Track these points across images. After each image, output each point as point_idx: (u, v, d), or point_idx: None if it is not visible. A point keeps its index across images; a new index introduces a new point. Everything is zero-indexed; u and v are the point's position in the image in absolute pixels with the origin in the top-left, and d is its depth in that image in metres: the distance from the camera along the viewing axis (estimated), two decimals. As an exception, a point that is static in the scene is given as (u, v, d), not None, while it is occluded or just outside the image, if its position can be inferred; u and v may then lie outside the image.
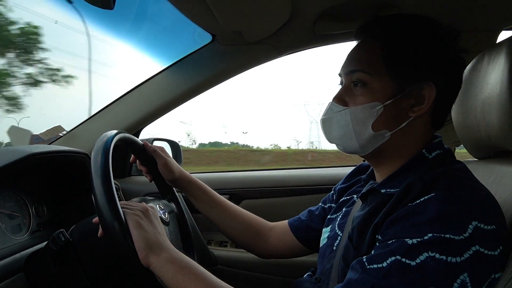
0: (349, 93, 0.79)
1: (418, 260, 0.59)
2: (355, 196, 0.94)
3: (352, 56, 0.81)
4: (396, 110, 0.75)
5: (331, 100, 0.81)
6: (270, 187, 1.71)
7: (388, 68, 0.75)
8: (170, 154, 1.14)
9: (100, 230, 0.79)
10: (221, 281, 0.73)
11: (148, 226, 0.78)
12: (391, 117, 0.75)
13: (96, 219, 0.82)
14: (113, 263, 0.86)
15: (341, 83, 0.83)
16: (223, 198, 1.16)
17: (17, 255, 0.93)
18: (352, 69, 0.78)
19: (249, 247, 1.16)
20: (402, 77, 0.74)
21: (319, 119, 0.85)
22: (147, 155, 1.09)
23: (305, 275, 0.97)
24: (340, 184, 1.04)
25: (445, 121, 0.81)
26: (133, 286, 0.91)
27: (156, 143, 1.63)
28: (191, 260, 0.76)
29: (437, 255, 0.58)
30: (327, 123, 0.81)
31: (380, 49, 0.76)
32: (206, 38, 1.46)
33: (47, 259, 0.89)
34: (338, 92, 0.81)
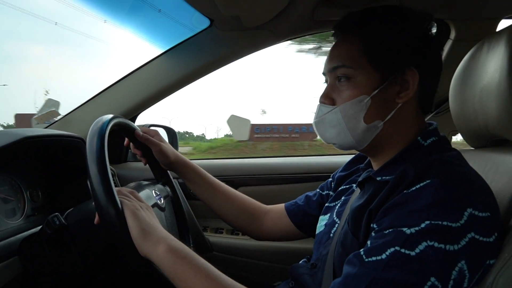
0: (335, 90, 0.80)
1: (417, 250, 0.59)
2: (354, 185, 0.94)
3: (333, 53, 0.82)
4: (384, 99, 0.76)
5: (318, 101, 0.82)
6: (266, 175, 1.71)
7: (369, 60, 0.76)
8: (167, 140, 1.14)
9: (97, 218, 0.78)
10: (221, 272, 0.73)
11: (144, 217, 0.78)
12: (380, 107, 0.76)
13: None
14: (109, 248, 0.86)
15: (326, 82, 0.84)
16: (218, 181, 1.17)
17: (12, 238, 0.93)
18: (334, 65, 0.79)
19: (244, 230, 1.17)
20: (384, 66, 0.76)
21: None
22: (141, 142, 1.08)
23: (300, 261, 0.98)
24: (340, 172, 1.05)
25: (432, 104, 0.82)
26: (129, 272, 0.91)
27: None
28: (191, 250, 0.76)
29: (436, 244, 0.58)
30: (320, 125, 0.82)
31: (359, 43, 0.77)
32: (204, 23, 1.44)
33: (42, 243, 0.88)
34: (324, 91, 0.82)
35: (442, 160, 0.70)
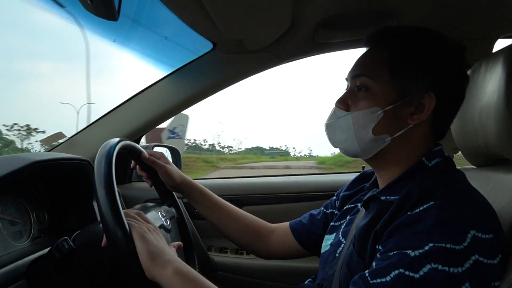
0: (352, 97, 0.81)
1: (421, 273, 0.59)
2: (359, 204, 0.95)
3: (359, 62, 0.83)
4: (396, 116, 0.77)
5: (334, 104, 0.83)
6: (270, 194, 1.72)
7: (390, 75, 0.77)
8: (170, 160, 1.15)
9: (104, 240, 0.79)
10: None
11: (152, 240, 0.78)
12: (390, 123, 0.77)
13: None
14: (116, 271, 0.87)
15: (347, 88, 0.85)
16: (224, 201, 1.18)
17: (19, 262, 0.93)
18: (357, 73, 0.81)
19: (250, 249, 1.18)
20: (404, 84, 0.76)
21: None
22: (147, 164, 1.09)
23: (306, 281, 0.98)
24: (344, 191, 1.05)
25: (446, 133, 0.82)
26: None
27: (156, 150, 1.63)
28: (198, 273, 0.77)
29: (440, 267, 0.59)
30: (331, 128, 0.84)
31: (386, 57, 0.78)
32: (207, 46, 1.47)
33: (50, 266, 0.89)
34: (342, 95, 0.83)
35: (446, 181, 0.71)
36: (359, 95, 0.80)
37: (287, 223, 1.16)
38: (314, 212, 1.13)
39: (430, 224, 0.62)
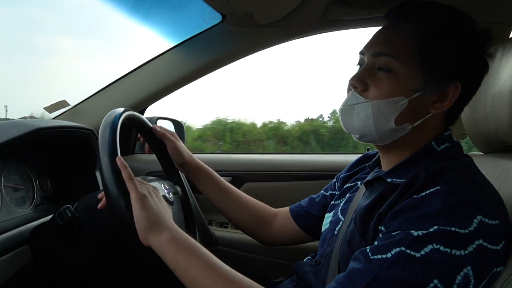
0: (371, 75, 0.74)
1: (422, 252, 0.59)
2: (359, 182, 0.94)
3: (383, 38, 0.76)
4: (419, 104, 0.73)
5: (349, 82, 0.76)
6: (272, 171, 1.71)
7: (421, 60, 0.71)
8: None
9: (101, 204, 0.80)
10: (223, 263, 0.73)
11: (152, 206, 0.77)
12: (413, 112, 0.73)
13: (101, 195, 0.82)
14: (117, 239, 0.87)
15: (360, 64, 0.80)
16: (229, 185, 1.17)
17: (22, 227, 0.94)
18: (381, 51, 0.73)
19: (253, 234, 1.17)
20: (433, 72, 0.71)
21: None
22: (156, 137, 1.08)
23: (305, 259, 0.98)
24: (344, 173, 1.04)
25: (457, 118, 0.80)
26: (136, 263, 0.92)
27: (160, 122, 1.62)
28: (194, 241, 0.76)
29: (442, 248, 0.59)
30: (347, 113, 0.77)
31: (415, 37, 0.72)
32: (216, 18, 1.44)
33: (52, 233, 0.90)
34: (358, 72, 0.76)
35: (453, 166, 0.70)
36: (380, 75, 0.73)
37: (287, 208, 1.15)
38: (314, 196, 1.12)
39: (436, 208, 0.62)
